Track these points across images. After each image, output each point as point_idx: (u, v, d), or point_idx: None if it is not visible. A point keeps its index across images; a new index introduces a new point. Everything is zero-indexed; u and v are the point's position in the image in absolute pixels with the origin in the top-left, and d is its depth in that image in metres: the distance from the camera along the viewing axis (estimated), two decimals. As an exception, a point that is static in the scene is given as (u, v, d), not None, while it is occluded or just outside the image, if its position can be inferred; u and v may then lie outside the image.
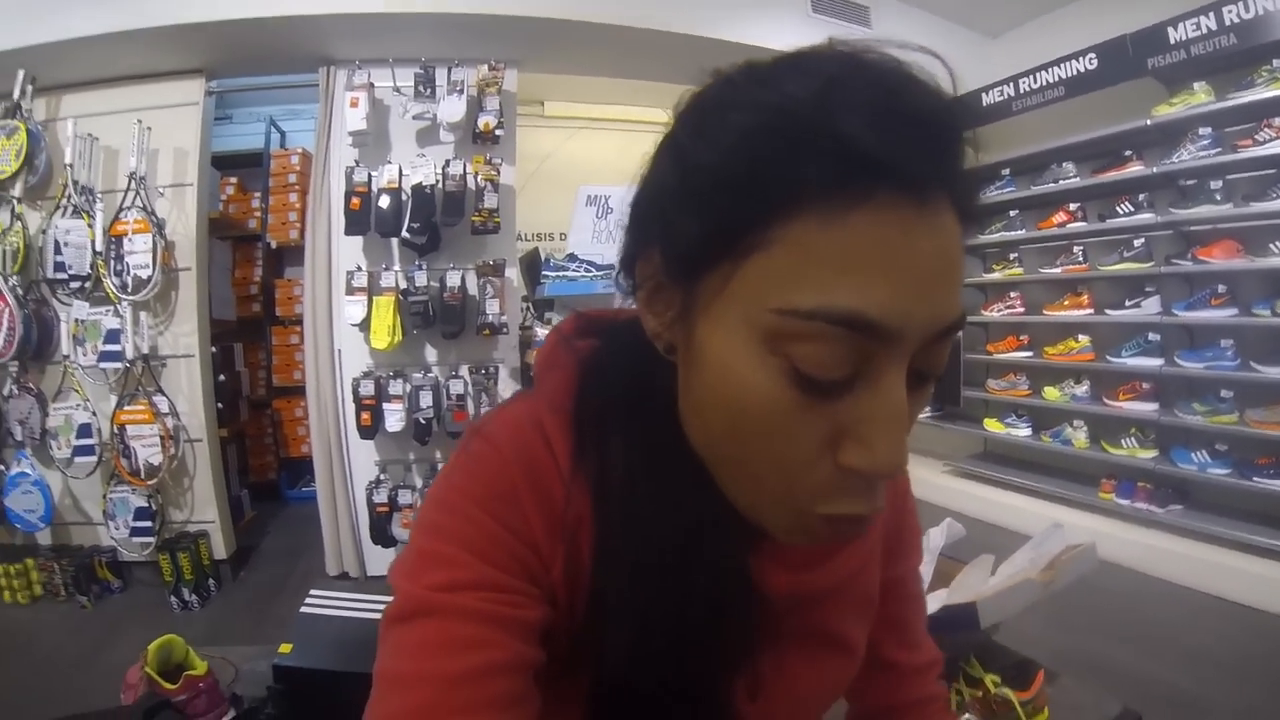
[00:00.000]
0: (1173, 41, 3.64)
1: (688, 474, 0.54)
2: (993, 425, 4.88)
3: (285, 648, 1.75)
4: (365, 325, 3.84)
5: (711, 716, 0.58)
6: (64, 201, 3.66)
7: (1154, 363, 3.91)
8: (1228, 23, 3.42)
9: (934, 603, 1.70)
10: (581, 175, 5.38)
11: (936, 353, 0.47)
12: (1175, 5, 3.66)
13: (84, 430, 3.71)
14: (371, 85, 3.88)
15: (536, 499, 0.55)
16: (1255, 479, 3.45)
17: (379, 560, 4.05)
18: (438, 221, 3.84)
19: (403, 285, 3.87)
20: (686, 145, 0.49)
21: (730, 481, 0.52)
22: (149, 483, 3.74)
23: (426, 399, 3.86)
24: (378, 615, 1.85)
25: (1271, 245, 3.40)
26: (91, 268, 3.67)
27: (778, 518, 0.50)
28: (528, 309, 4.49)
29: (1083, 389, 4.30)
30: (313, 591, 1.97)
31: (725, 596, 0.56)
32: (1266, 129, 3.35)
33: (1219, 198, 3.57)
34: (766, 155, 0.43)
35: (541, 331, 3.92)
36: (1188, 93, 3.65)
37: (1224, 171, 3.60)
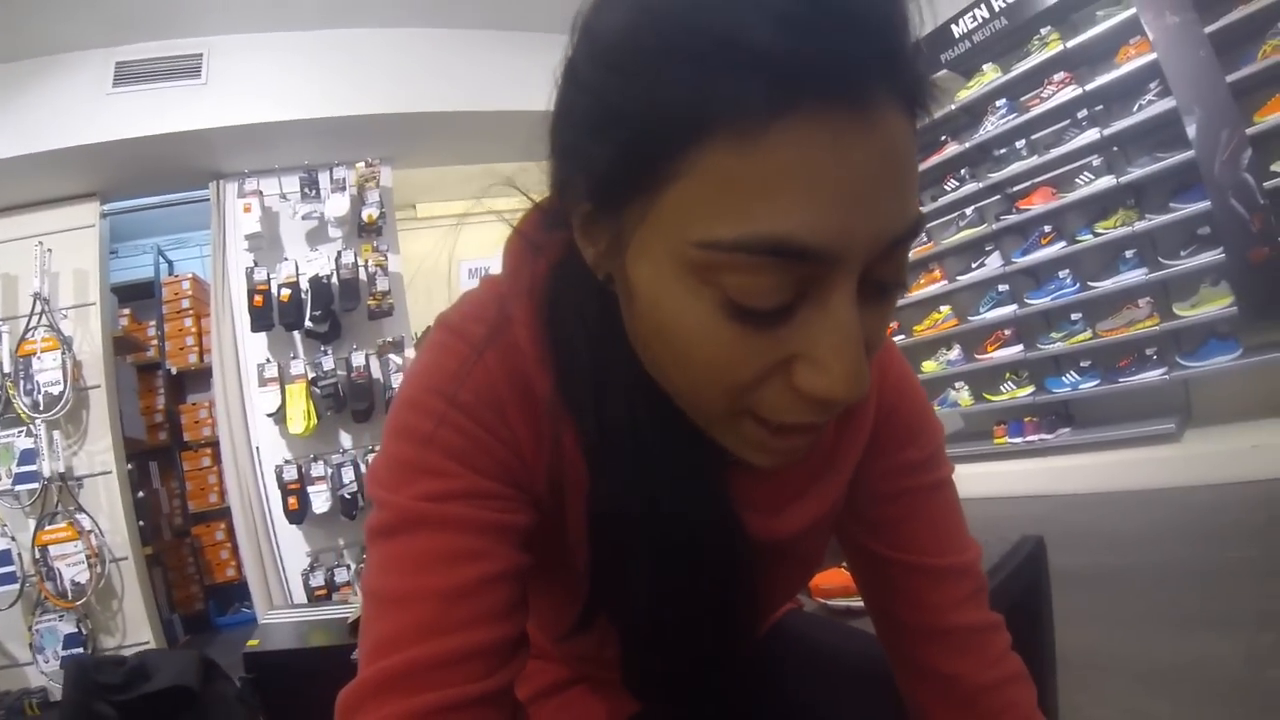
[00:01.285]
0: (957, 35, 4.28)
1: (658, 408, 0.53)
2: (884, 411, 5.15)
3: (253, 642, 1.86)
4: (280, 415, 3.94)
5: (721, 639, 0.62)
6: (-35, 327, 3.67)
7: (1009, 310, 4.34)
8: (997, 9, 4.08)
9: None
10: (462, 270, 5.65)
11: (893, 263, 0.43)
12: (953, 5, 4.31)
13: (3, 557, 3.60)
14: (260, 192, 4.16)
15: (520, 405, 0.54)
16: (1121, 380, 3.87)
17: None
18: (337, 309, 4.05)
19: (311, 374, 4.01)
20: (580, 65, 0.45)
21: (684, 406, 0.50)
22: (76, 604, 3.62)
23: (349, 474, 3.95)
24: (330, 616, 2.01)
25: (1077, 179, 3.95)
26: (0, 389, 3.66)
27: (738, 436, 0.49)
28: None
29: (955, 353, 4.69)
30: (268, 613, 2.11)
31: (715, 537, 0.57)
32: (1048, 85, 3.96)
33: (1025, 153, 4.13)
34: (664, 75, 0.39)
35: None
36: (980, 74, 4.28)
37: (1025, 132, 4.15)
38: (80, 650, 3.60)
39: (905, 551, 0.68)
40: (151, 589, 4.07)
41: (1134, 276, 3.79)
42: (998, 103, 4.22)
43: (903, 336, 5.00)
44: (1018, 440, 4.31)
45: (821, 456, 0.63)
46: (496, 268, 0.59)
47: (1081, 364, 4.07)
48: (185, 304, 5.42)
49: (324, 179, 4.23)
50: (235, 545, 4.64)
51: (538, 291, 0.56)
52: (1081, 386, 4.04)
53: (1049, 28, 3.96)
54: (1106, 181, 3.83)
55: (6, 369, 3.68)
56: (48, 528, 3.66)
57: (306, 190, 4.21)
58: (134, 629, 3.87)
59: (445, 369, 0.54)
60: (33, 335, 3.75)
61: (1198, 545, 2.91)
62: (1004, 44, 4.19)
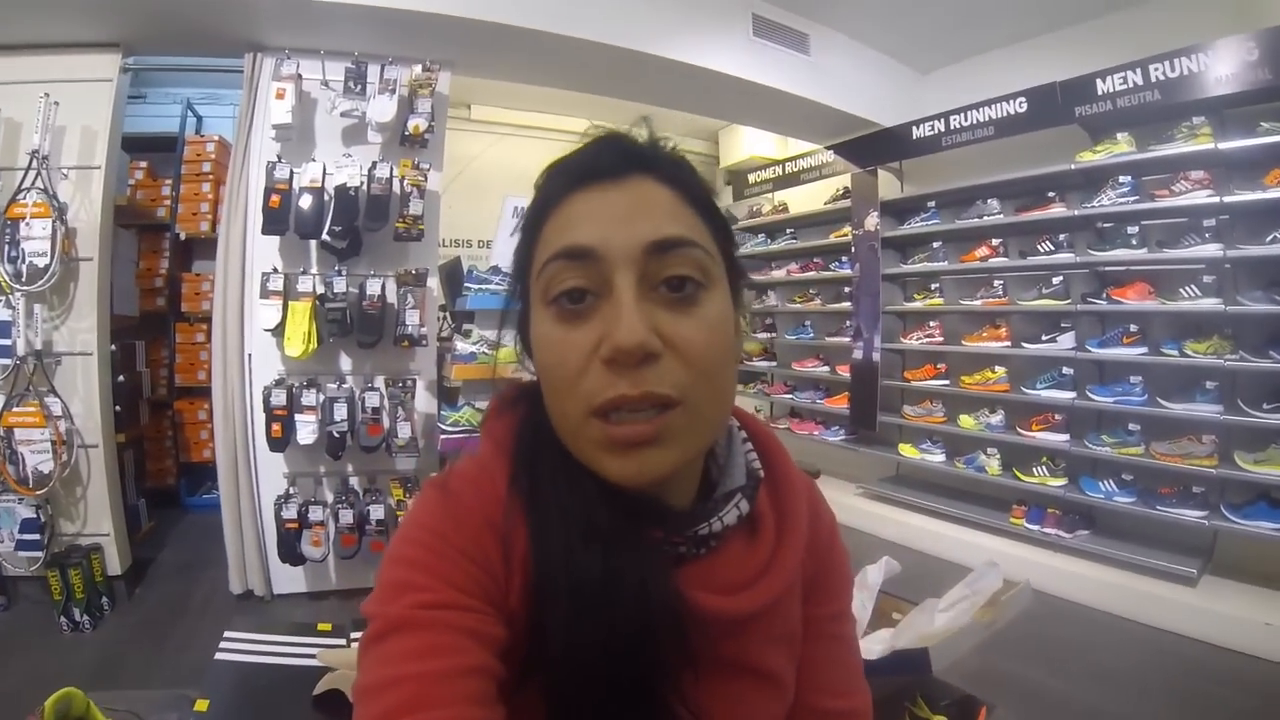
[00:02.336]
0: (1100, 92, 3.85)
1: (597, 494, 0.65)
2: (907, 450, 5.03)
3: (201, 705, 1.60)
4: (279, 330, 3.61)
5: None
6: (-44, 177, 3.30)
7: (1066, 395, 4.11)
8: (1153, 79, 3.64)
9: (878, 643, 1.73)
10: (505, 182, 5.28)
11: (670, 264, 0.62)
12: (1103, 58, 3.87)
13: (-36, 432, 3.36)
14: (300, 77, 3.68)
15: (493, 533, 0.64)
16: (1158, 507, 3.68)
17: (287, 579, 3.83)
18: (360, 225, 3.67)
19: (320, 290, 3.67)
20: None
21: (567, 438, 0.65)
22: (38, 493, 3.42)
23: (341, 411, 3.65)
24: (297, 660, 1.72)
25: (1182, 289, 3.64)
26: (-19, 250, 3.33)
27: (590, 441, 0.62)
28: (444, 319, 4.35)
29: (997, 418, 4.49)
30: (226, 634, 1.83)
31: (653, 598, 0.62)
32: (1183, 181, 3.60)
33: (1135, 242, 3.80)
34: (537, 194, 0.68)
35: (460, 344, 3.82)
36: (1111, 142, 3.87)
37: (1141, 217, 3.82)
38: (37, 536, 3.44)
39: (816, 693, 0.80)
40: (119, 477, 3.88)
41: (1207, 410, 3.56)
42: (1121, 178, 3.84)
43: (947, 382, 4.81)
44: (1034, 528, 4.17)
45: (767, 552, 0.74)
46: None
47: (1123, 476, 3.89)
48: (206, 167, 5.05)
49: (373, 74, 3.74)
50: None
51: (508, 444, 0.71)
52: (1115, 499, 3.87)
53: (1203, 119, 3.56)
54: (1211, 303, 3.55)
55: (-8, 229, 3.32)
56: (15, 408, 3.42)
57: (351, 84, 3.72)
58: (95, 518, 3.69)
59: (432, 511, 0.66)
60: (24, 197, 3.37)
61: (1185, 710, 2.87)
62: (1148, 118, 3.77)
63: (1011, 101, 4.29)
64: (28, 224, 3.36)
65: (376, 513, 3.74)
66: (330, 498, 3.82)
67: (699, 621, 0.65)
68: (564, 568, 0.62)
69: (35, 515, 3.46)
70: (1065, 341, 4.13)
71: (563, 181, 0.66)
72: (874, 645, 1.68)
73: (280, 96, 3.57)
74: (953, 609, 1.72)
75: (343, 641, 1.82)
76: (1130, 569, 3.74)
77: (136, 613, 3.65)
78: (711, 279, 0.64)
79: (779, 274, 6.31)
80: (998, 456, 4.50)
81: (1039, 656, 3.18)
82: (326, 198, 3.59)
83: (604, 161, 0.65)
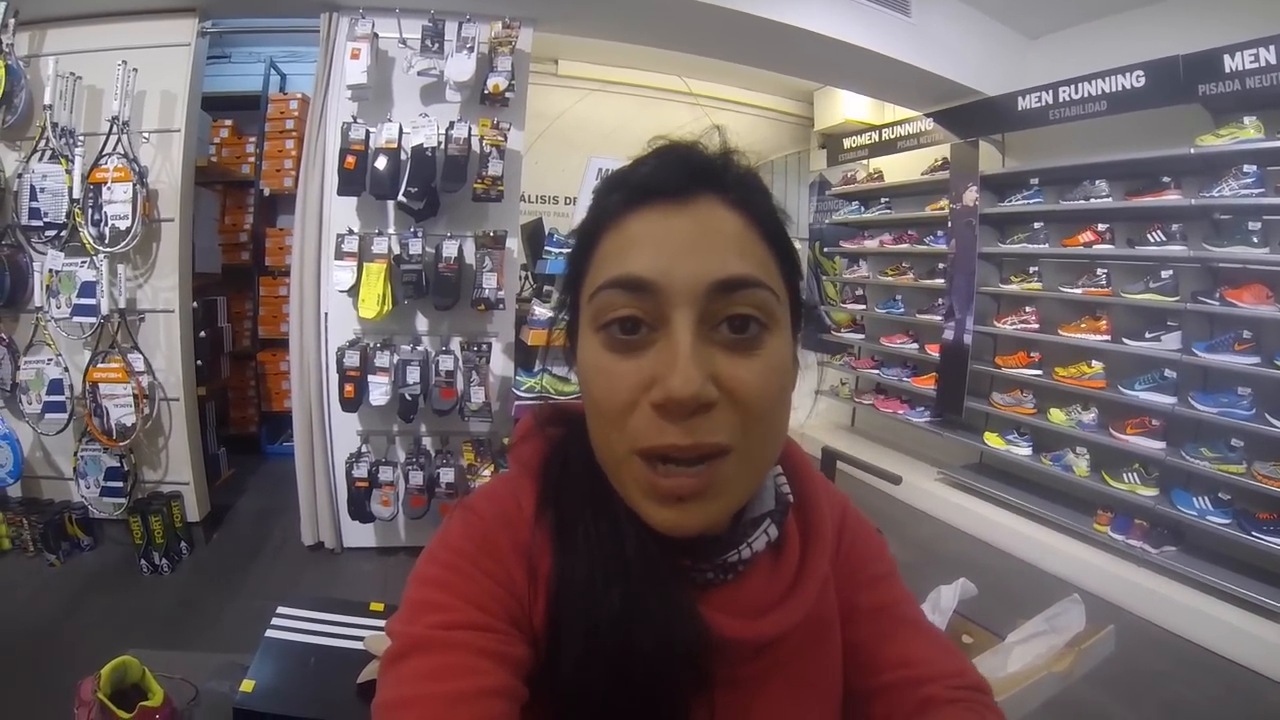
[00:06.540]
0: (1228, 70, 3.42)
1: (627, 523, 0.64)
2: (993, 440, 4.77)
3: (248, 685, 1.63)
4: (354, 291, 3.66)
5: None
6: (42, 144, 3.46)
7: (1167, 400, 3.79)
8: (1290, 58, 3.21)
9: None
10: (591, 139, 5.16)
11: (734, 303, 0.58)
12: (1231, 32, 3.45)
13: (55, 386, 3.59)
14: (375, 36, 3.64)
15: (518, 555, 0.64)
16: (1254, 533, 3.37)
17: (356, 534, 3.97)
18: (437, 186, 3.63)
19: (396, 251, 3.68)
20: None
21: (608, 467, 0.63)
22: (121, 444, 3.63)
23: (414, 374, 3.69)
24: (347, 641, 1.69)
25: (1305, 297, 3.26)
26: (68, 216, 3.51)
27: (633, 482, 0.60)
28: (526, 279, 4.32)
29: (1090, 416, 4.19)
30: (280, 609, 1.84)
31: (674, 632, 0.61)
32: (1315, 176, 3.19)
33: (1255, 239, 3.42)
34: (594, 206, 0.65)
35: (539, 308, 3.78)
36: (1236, 126, 3.46)
37: (1264, 213, 3.44)
38: (121, 484, 3.67)
39: (866, 675, 0.77)
40: (200, 428, 4.08)
41: (1320, 434, 3.20)
42: (1246, 168, 3.44)
43: (1040, 373, 4.52)
44: (1119, 537, 3.89)
45: (792, 572, 0.72)
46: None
47: (1220, 494, 3.56)
48: (289, 125, 5.14)
49: (450, 31, 3.66)
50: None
51: (536, 468, 0.71)
52: (1209, 517, 3.55)
53: (1344, 107, 3.12)
54: (1337, 316, 3.15)
55: (76, 194, 3.47)
56: (100, 365, 3.62)
57: (429, 42, 3.64)
58: (176, 467, 3.92)
59: (458, 533, 0.66)
60: (106, 162, 3.51)
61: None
62: (1280, 102, 3.35)
63: (1127, 74, 3.87)
64: (109, 188, 3.51)
65: (447, 475, 3.79)
66: (402, 457, 3.91)
67: (722, 647, 0.64)
68: (584, 605, 0.62)
69: (119, 464, 3.68)
70: (1170, 342, 3.79)
71: (621, 196, 0.62)
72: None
73: (355, 56, 3.56)
74: (1028, 643, 1.63)
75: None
76: (1215, 594, 3.45)
77: (212, 558, 3.85)
78: (775, 320, 0.61)
79: (871, 244, 6.04)
80: (1087, 457, 4.20)
81: (1107, 678, 2.98)
82: (403, 158, 3.59)
83: (667, 178, 0.61)
